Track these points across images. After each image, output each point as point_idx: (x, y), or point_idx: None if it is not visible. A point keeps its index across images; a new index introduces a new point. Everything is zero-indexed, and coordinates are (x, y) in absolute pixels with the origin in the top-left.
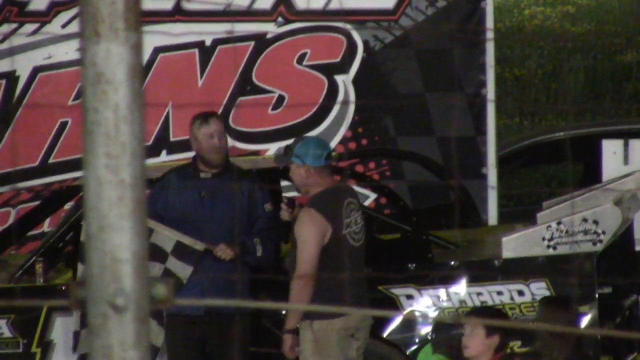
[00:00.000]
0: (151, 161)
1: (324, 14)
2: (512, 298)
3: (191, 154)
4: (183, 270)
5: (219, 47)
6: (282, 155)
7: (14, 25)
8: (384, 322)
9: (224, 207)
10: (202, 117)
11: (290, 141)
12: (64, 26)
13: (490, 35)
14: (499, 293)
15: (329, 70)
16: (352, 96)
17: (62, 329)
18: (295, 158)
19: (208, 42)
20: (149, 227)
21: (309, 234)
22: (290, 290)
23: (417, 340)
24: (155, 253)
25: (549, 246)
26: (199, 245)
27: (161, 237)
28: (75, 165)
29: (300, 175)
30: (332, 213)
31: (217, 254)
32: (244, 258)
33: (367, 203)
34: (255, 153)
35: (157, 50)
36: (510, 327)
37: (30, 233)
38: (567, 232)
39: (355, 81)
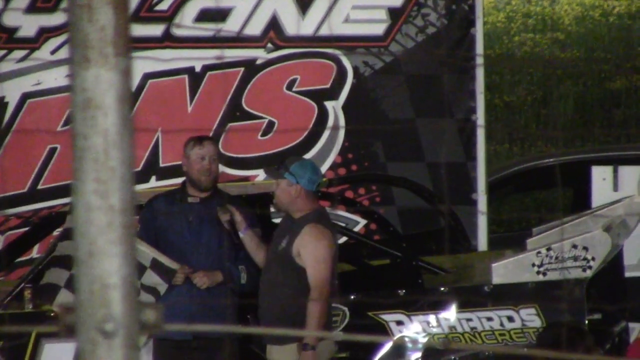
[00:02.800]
0: (141, 187)
1: (314, 40)
2: (502, 324)
3: (181, 179)
4: (160, 284)
5: (208, 73)
6: (274, 170)
7: (3, 52)
8: (373, 348)
9: (211, 232)
10: (197, 138)
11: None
12: (53, 52)
13: (480, 61)
14: (489, 319)
15: (319, 96)
16: (342, 122)
17: (50, 355)
18: (289, 175)
19: (198, 68)
20: None
21: (326, 251)
22: (313, 310)
23: None
24: None
25: (538, 272)
26: (174, 265)
27: (139, 252)
28: (65, 191)
29: (288, 194)
30: (334, 231)
31: (194, 281)
32: (228, 286)
33: (357, 229)
34: (245, 179)
35: (147, 77)
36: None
37: (19, 259)
38: (556, 258)
39: (345, 107)
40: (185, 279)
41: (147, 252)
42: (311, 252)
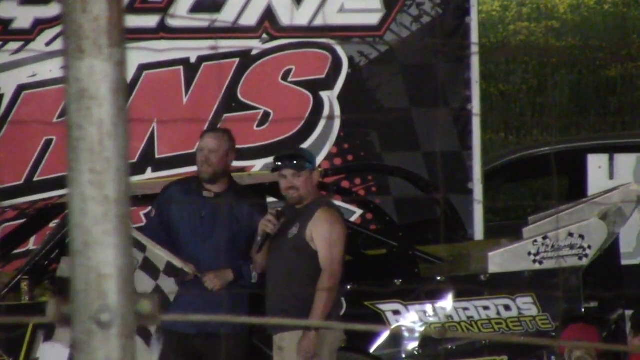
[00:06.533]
0: (136, 178)
1: (309, 30)
2: (498, 313)
3: (175, 171)
4: (171, 289)
5: (203, 64)
6: (297, 163)
7: None
8: (370, 337)
9: (222, 229)
10: (205, 131)
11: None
12: (48, 44)
13: (475, 50)
14: (486, 308)
15: (314, 87)
16: (337, 112)
17: (47, 347)
18: (309, 164)
19: (193, 59)
20: (143, 243)
21: (339, 234)
22: (322, 294)
23: (403, 356)
24: (150, 268)
25: (535, 261)
26: (187, 268)
27: (154, 255)
28: (61, 182)
29: (312, 182)
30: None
31: (205, 284)
32: (238, 283)
33: (353, 219)
34: (241, 170)
35: (142, 68)
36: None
37: (15, 251)
38: (553, 246)
39: (340, 97)
40: (195, 278)
41: (162, 256)
42: (325, 234)
